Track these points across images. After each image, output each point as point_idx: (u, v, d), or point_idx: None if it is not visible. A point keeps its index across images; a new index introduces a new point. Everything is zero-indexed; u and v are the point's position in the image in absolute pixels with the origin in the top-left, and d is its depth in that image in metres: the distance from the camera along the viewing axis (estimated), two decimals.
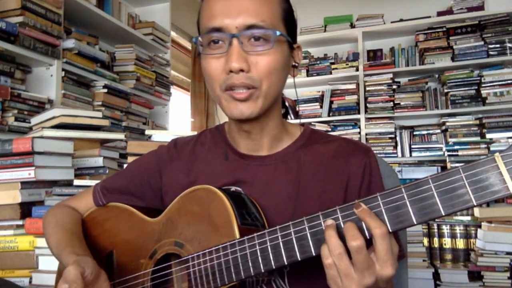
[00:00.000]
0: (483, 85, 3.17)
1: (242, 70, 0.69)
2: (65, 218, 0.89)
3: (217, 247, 0.67)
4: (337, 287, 0.57)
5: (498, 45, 3.15)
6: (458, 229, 2.73)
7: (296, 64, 0.81)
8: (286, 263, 0.61)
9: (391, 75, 3.42)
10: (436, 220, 2.77)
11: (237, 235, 0.67)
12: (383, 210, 0.56)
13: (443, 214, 0.53)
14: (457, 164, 2.79)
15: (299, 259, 0.60)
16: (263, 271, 0.63)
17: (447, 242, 2.74)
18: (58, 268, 0.92)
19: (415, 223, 0.54)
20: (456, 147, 3.14)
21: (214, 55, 0.72)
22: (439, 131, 3.37)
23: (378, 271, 0.55)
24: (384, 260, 0.55)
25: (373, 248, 0.56)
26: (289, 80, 0.82)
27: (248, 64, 0.70)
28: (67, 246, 0.78)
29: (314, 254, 0.59)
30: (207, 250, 0.68)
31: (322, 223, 0.59)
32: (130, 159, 1.33)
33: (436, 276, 2.58)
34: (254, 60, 0.71)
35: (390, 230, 0.56)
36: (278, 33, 0.71)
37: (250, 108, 0.72)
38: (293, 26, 0.79)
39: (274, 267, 0.62)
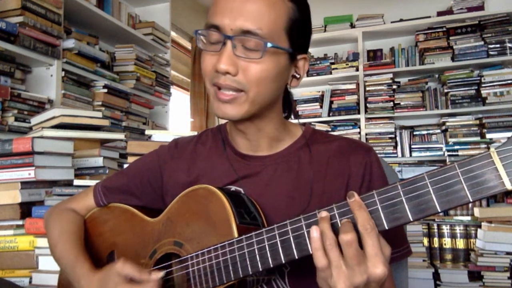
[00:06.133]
0: (483, 85, 3.17)
1: (228, 73, 0.70)
2: (70, 225, 0.89)
3: (215, 247, 0.68)
4: (327, 283, 0.57)
5: (498, 45, 3.15)
6: (458, 229, 2.72)
7: (298, 76, 0.79)
8: (283, 261, 0.61)
9: (391, 75, 3.43)
10: (436, 220, 2.77)
11: (235, 234, 0.67)
12: (379, 207, 0.56)
13: (439, 210, 0.53)
14: None
15: (296, 257, 0.60)
16: (260, 269, 0.63)
17: (447, 242, 2.74)
18: (60, 280, 0.93)
19: (411, 219, 0.54)
20: (456, 147, 3.14)
21: (209, 51, 0.73)
22: (439, 131, 3.37)
23: (369, 269, 0.54)
24: (372, 256, 0.54)
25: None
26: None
27: (236, 68, 0.70)
28: (77, 258, 0.81)
29: (311, 252, 0.59)
30: (205, 250, 0.69)
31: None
32: (130, 159, 1.33)
33: (436, 276, 2.58)
34: (243, 66, 0.70)
35: (386, 228, 0.56)
36: (269, 45, 0.69)
37: (233, 110, 0.73)
38: (301, 37, 0.76)
39: (272, 266, 0.62)
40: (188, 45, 3.89)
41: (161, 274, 0.69)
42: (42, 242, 1.15)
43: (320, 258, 0.56)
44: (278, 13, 0.71)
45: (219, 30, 0.70)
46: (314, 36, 3.59)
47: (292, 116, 0.95)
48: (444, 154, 3.23)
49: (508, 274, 2.37)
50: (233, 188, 0.80)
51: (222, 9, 0.70)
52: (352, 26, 3.59)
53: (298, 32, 0.74)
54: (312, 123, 3.55)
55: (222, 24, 0.70)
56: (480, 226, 2.53)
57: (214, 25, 0.71)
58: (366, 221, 0.54)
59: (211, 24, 0.71)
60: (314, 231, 0.57)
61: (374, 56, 3.60)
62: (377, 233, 0.55)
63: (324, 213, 0.58)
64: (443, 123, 3.30)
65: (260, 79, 0.71)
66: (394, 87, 3.44)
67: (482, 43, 3.18)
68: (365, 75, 3.50)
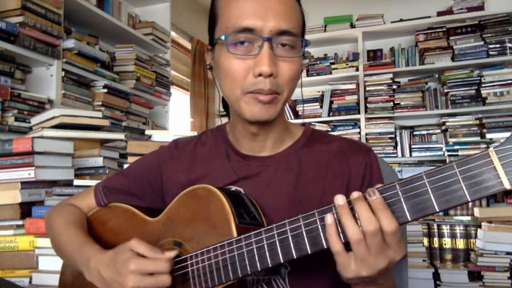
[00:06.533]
0: (483, 85, 3.17)
1: (271, 75, 0.69)
2: (73, 217, 0.89)
3: (214, 246, 0.68)
4: (347, 271, 0.57)
5: (498, 45, 3.15)
6: (458, 229, 2.72)
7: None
8: (282, 261, 0.61)
9: (391, 75, 3.43)
10: (436, 219, 2.77)
11: (235, 234, 0.67)
12: None
13: (437, 210, 0.53)
14: None
15: (295, 257, 0.60)
16: (259, 269, 0.63)
17: (447, 242, 2.74)
18: (63, 271, 0.93)
19: (409, 219, 0.54)
20: (456, 147, 3.14)
21: (240, 55, 0.71)
22: (439, 131, 3.37)
23: (391, 256, 0.56)
24: (396, 247, 0.55)
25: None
26: None
27: (277, 69, 0.70)
28: (85, 241, 0.80)
29: (309, 252, 0.59)
30: (204, 249, 0.69)
31: (318, 221, 0.59)
32: (130, 159, 1.33)
33: (436, 276, 2.58)
34: (281, 66, 0.71)
35: None
36: (308, 42, 0.72)
37: (270, 111, 0.73)
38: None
39: (270, 265, 0.62)
40: (188, 45, 3.88)
41: (173, 253, 0.70)
42: (42, 242, 1.15)
43: (335, 243, 0.57)
44: (298, 12, 0.75)
45: (253, 33, 0.69)
46: (314, 36, 3.60)
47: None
48: (444, 154, 3.23)
49: (508, 274, 2.37)
50: (233, 188, 0.80)
51: (251, 12, 0.69)
52: (352, 26, 3.59)
53: (304, 29, 0.78)
54: (312, 123, 3.55)
55: (258, 26, 0.69)
56: (480, 226, 2.53)
57: (247, 28, 0.69)
58: (392, 222, 0.54)
59: (243, 28, 0.70)
60: (329, 218, 0.57)
61: (374, 56, 3.61)
62: (399, 230, 0.55)
63: (341, 200, 0.57)
64: (443, 123, 3.30)
65: (293, 78, 0.73)
66: (394, 87, 3.44)
67: (482, 43, 3.18)
68: (365, 75, 3.50)
